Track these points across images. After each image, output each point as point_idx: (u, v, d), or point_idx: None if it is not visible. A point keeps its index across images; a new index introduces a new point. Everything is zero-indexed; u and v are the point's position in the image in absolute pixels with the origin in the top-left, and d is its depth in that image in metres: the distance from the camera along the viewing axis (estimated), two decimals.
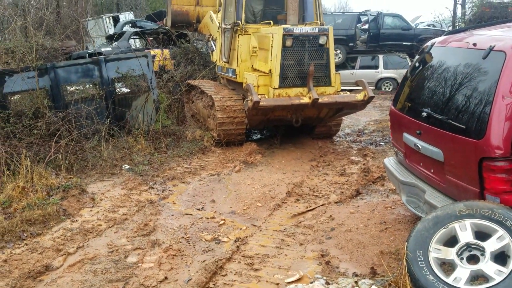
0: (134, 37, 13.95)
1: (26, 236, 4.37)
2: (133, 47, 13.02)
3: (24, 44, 9.31)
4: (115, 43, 12.73)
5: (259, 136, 8.88)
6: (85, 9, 19.75)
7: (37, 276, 3.70)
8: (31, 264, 3.87)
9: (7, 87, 7.05)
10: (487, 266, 2.75)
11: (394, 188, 5.27)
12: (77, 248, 4.15)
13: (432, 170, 3.76)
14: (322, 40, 6.80)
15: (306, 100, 6.77)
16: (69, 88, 7.75)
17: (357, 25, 15.53)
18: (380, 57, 14.60)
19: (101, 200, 5.41)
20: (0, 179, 5.39)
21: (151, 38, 13.58)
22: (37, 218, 4.63)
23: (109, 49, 12.23)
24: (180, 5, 10.89)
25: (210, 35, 9.99)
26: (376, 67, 14.62)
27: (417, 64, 4.26)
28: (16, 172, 5.49)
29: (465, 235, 2.93)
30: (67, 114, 6.99)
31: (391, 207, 5.02)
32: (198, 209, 5.14)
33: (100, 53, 11.17)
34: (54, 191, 5.32)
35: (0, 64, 9.39)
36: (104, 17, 19.75)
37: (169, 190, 5.78)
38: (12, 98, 7.24)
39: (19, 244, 4.23)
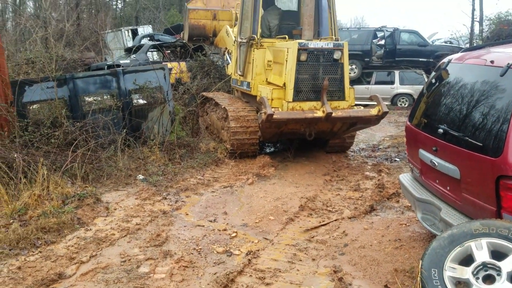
0: (152, 50, 14.20)
1: (41, 244, 4.42)
2: (151, 60, 13.24)
3: (44, 54, 9.53)
4: (134, 55, 12.97)
5: (272, 149, 8.88)
6: (105, 21, 20.20)
7: (50, 284, 3.72)
8: (45, 271, 3.90)
9: (26, 97, 7.21)
10: (503, 286, 2.69)
11: (409, 205, 5.21)
12: (90, 257, 4.17)
13: (448, 188, 3.71)
14: (336, 55, 6.83)
15: (319, 114, 6.78)
16: (87, 98, 7.89)
17: (373, 40, 15.54)
18: (396, 72, 14.56)
19: (115, 209, 5.45)
20: (17, 186, 5.48)
21: (169, 51, 13.80)
22: (51, 226, 4.69)
23: (127, 61, 12.46)
24: (198, 19, 11.11)
25: (226, 48, 10.12)
26: (392, 82, 14.58)
27: (433, 81, 4.23)
28: (33, 180, 5.57)
29: (481, 254, 2.87)
30: (84, 124, 7.09)
31: (406, 224, 4.95)
32: (210, 221, 5.14)
33: (118, 65, 11.38)
34: (70, 199, 5.39)
35: (20, 74, 9.62)
36: (123, 30, 20.17)
37: (182, 201, 5.80)
38: (31, 107, 7.39)
39: (33, 252, 4.28)
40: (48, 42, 12.24)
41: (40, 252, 4.28)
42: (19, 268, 3.96)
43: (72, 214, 5.02)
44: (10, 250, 4.26)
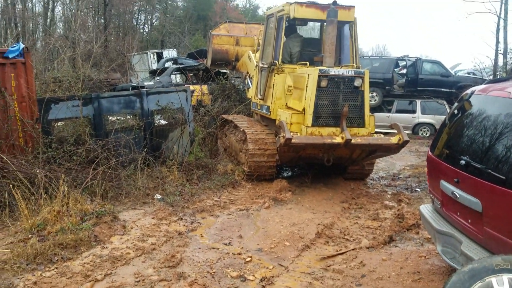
0: (176, 72, 14.51)
1: (57, 260, 4.46)
2: (174, 82, 13.52)
3: (71, 74, 9.85)
4: (158, 77, 13.26)
5: (290, 173, 8.85)
6: (132, 44, 20.83)
7: None
8: None
9: (52, 114, 7.40)
10: None
11: (429, 236, 5.08)
12: (105, 275, 4.19)
13: (469, 221, 3.62)
14: (357, 83, 6.85)
15: (338, 140, 6.76)
16: (110, 117, 8.05)
17: (395, 69, 15.53)
18: (418, 102, 14.47)
19: (131, 228, 5.48)
20: (37, 202, 5.57)
21: (191, 74, 14.07)
22: (69, 243, 4.74)
23: (151, 83, 12.74)
24: (221, 44, 11.39)
25: (248, 73, 10.27)
26: (414, 111, 14.48)
27: (456, 111, 4.20)
28: (53, 196, 5.66)
29: None
30: (106, 143, 7.22)
31: (425, 256, 4.82)
32: (225, 244, 5.11)
33: (142, 87, 11.64)
34: (88, 216, 5.45)
35: (47, 92, 9.93)
36: (148, 53, 20.75)
37: (198, 223, 5.79)
38: (55, 125, 7.56)
39: (50, 267, 4.32)
40: (76, 62, 12.65)
41: (56, 268, 4.31)
42: (35, 283, 4.00)
43: (90, 231, 5.07)
44: (27, 264, 4.32)
